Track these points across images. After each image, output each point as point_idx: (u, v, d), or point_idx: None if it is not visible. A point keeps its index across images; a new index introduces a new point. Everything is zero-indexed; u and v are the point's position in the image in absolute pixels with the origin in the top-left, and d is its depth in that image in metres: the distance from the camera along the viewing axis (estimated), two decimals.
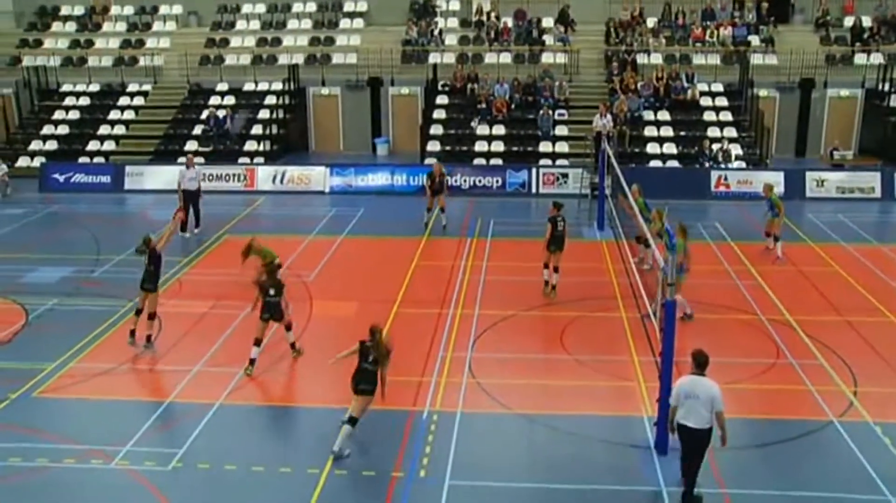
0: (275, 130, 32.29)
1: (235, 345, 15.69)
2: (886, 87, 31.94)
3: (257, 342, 14.42)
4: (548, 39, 35.03)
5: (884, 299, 17.88)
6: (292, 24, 37.17)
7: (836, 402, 13.40)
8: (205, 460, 11.72)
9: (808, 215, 25.24)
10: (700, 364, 10.47)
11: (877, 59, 33.29)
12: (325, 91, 34.64)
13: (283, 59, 35.01)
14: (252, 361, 14.42)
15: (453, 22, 36.67)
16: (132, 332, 15.53)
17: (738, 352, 15.20)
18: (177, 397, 13.62)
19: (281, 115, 32.99)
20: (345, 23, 36.79)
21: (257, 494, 11.07)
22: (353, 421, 11.76)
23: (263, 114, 32.79)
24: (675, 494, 10.86)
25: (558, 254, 17.97)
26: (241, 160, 30.34)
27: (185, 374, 14.38)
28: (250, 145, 31.40)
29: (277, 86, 33.76)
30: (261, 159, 30.60)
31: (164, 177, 27.95)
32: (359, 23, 36.80)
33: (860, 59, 33.63)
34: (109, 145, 31.91)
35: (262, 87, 34.15)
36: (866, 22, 34.75)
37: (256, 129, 32.07)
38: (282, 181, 28.75)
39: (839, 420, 12.85)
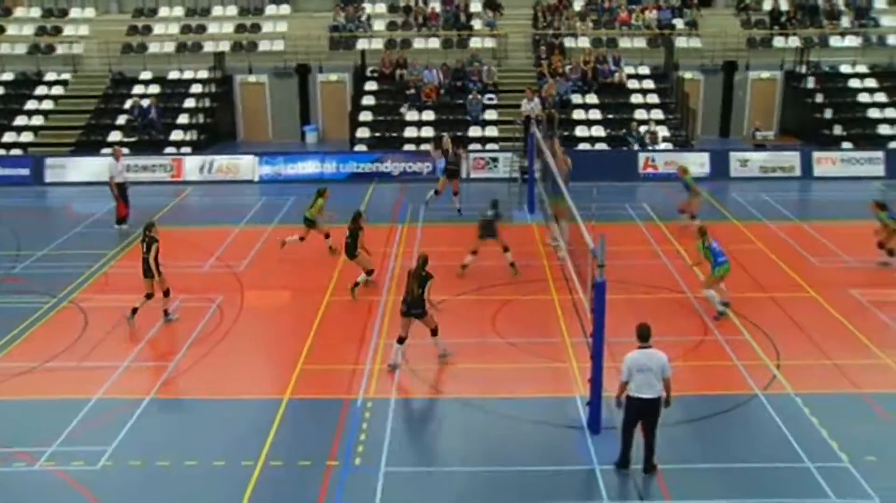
0: (201, 119, 31.71)
1: (165, 338, 15.43)
2: (804, 70, 32.77)
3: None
4: (476, 24, 35.07)
5: (804, 275, 18.41)
6: (217, 10, 36.44)
7: (760, 376, 13.77)
8: (136, 457, 11.51)
9: (733, 194, 25.83)
10: (645, 337, 10.80)
11: (794, 42, 34.17)
12: (252, 79, 34.12)
13: (208, 47, 34.35)
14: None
15: (381, 7, 36.42)
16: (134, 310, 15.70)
17: (669, 330, 15.41)
18: (105, 393, 13.32)
19: (207, 103, 32.41)
20: (271, 9, 36.23)
21: (191, 489, 10.91)
22: (435, 331, 14.12)
23: (189, 102, 32.16)
24: (608, 472, 11.06)
25: (488, 240, 18.11)
26: (167, 150, 29.74)
27: (113, 370, 14.08)
28: (176, 135, 30.79)
29: (203, 74, 33.16)
30: (188, 149, 30.02)
31: (88, 169, 27.29)
32: (285, 9, 36.26)
33: (779, 42, 34.46)
34: (27, 136, 30.95)
35: (188, 75, 33.48)
36: (784, 6, 35.58)
37: (183, 119, 31.45)
38: (210, 171, 28.30)
39: (763, 392, 13.21)
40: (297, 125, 33.99)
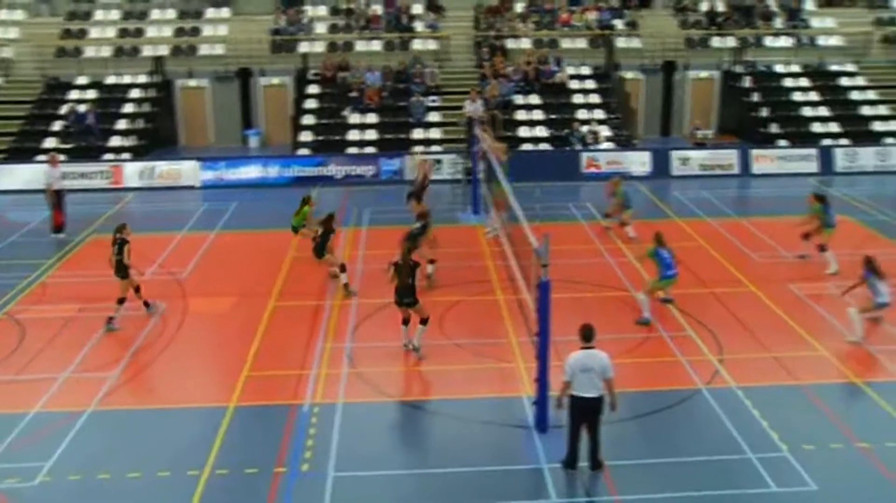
0: (141, 125, 31.20)
1: (105, 348, 15.14)
2: (740, 69, 33.41)
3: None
4: (418, 26, 35.09)
5: (744, 271, 18.76)
6: (155, 14, 35.88)
7: (703, 371, 14.00)
8: (75, 471, 11.24)
9: (674, 192, 26.22)
10: (588, 337, 10.89)
11: (731, 42, 34.85)
12: (192, 83, 33.68)
13: (147, 51, 33.81)
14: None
15: (322, 10, 36.21)
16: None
17: (613, 328, 15.61)
18: (43, 407, 13.00)
19: (147, 108, 31.89)
20: (210, 12, 35.80)
21: (134, 501, 10.71)
22: (425, 321, 14.46)
23: (128, 108, 31.63)
24: (556, 471, 11.12)
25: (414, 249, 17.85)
26: (105, 157, 29.18)
27: (51, 382, 13.75)
28: (115, 141, 30.24)
29: (142, 78, 32.64)
30: (127, 155, 29.49)
31: (22, 176, 26.65)
32: (225, 12, 35.85)
33: (716, 42, 35.10)
34: None
35: (126, 79, 32.90)
36: (720, 7, 36.25)
37: (122, 124, 30.91)
38: (150, 177, 27.84)
39: (707, 387, 13.43)
40: (240, 129, 33.65)
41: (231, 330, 16.12)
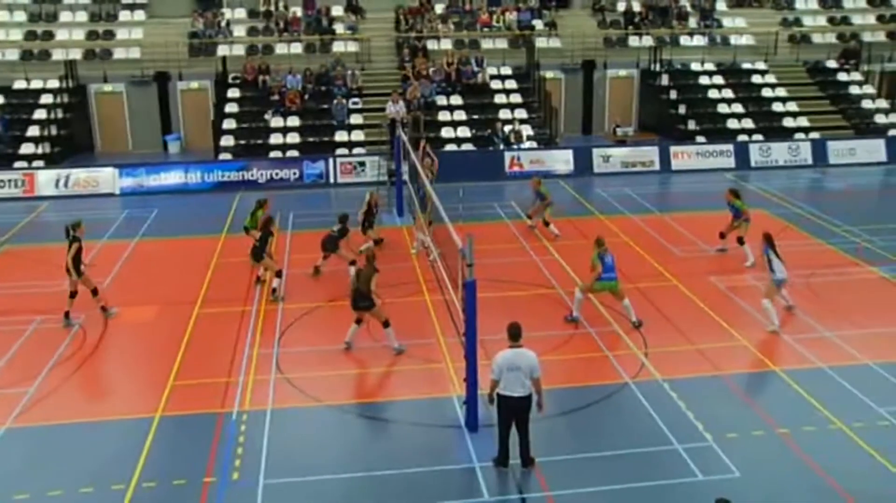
0: (54, 131, 30.30)
1: (22, 362, 14.66)
2: (658, 68, 34.13)
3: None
4: (338, 28, 34.89)
5: (667, 265, 19.16)
6: (65, 16, 34.82)
7: (630, 365, 14.24)
8: None
9: (597, 190, 26.61)
10: (515, 336, 10.95)
11: (648, 41, 35.57)
12: (107, 88, 32.87)
13: (57, 55, 32.85)
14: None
15: (241, 13, 35.70)
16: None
17: (540, 325, 15.77)
18: None
19: (60, 114, 30.99)
20: (124, 15, 34.96)
21: None
22: (386, 323, 14.59)
23: (40, 114, 30.67)
24: (488, 469, 11.18)
25: (330, 255, 18.35)
26: (17, 164, 28.28)
27: None
28: (27, 148, 29.33)
29: (54, 83, 31.69)
30: (40, 163, 28.62)
31: None
32: (140, 15, 35.06)
33: (634, 41, 35.78)
34: None
35: (36, 84, 31.94)
36: (637, 7, 36.97)
37: (33, 131, 29.97)
38: (66, 185, 27.05)
39: (633, 381, 13.66)
40: (159, 135, 32.99)
41: (155, 339, 15.78)
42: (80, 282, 16.26)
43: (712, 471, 11.07)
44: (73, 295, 16.22)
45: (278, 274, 17.54)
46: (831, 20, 38.32)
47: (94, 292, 16.50)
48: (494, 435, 11.29)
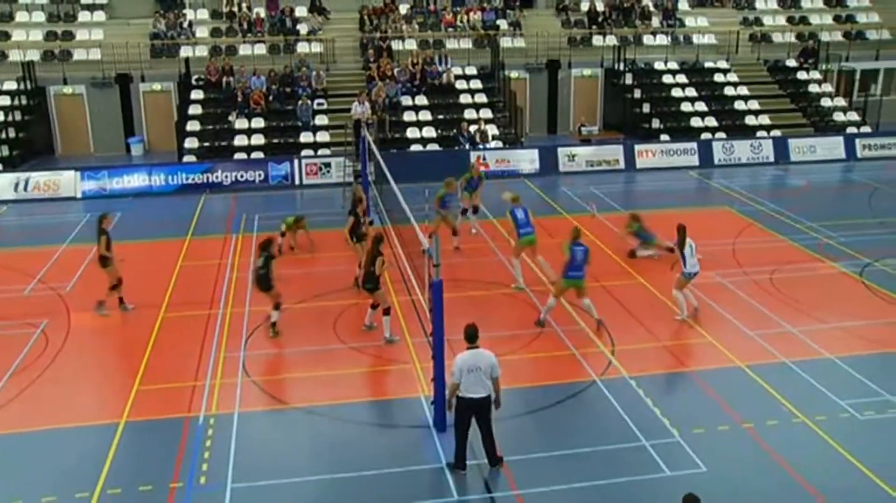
0: (12, 134, 29.84)
1: None
2: (621, 67, 34.37)
3: None
4: (302, 29, 34.72)
5: (632, 263, 19.29)
6: (22, 16, 34.28)
7: (597, 363, 14.32)
8: None
9: (563, 188, 26.73)
10: (472, 337, 10.91)
11: (612, 40, 35.81)
12: (67, 89, 32.45)
13: (14, 56, 32.31)
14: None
15: (203, 14, 35.43)
16: None
17: (507, 324, 15.86)
18: None
19: (18, 116, 30.52)
20: (84, 15, 34.52)
21: None
22: (387, 311, 14.87)
23: None
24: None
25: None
26: None
27: None
28: None
29: (11, 85, 31.22)
30: None
31: None
32: (100, 15, 34.64)
33: (598, 40, 36.01)
34: None
35: None
36: (600, 7, 37.20)
37: None
38: (25, 188, 26.62)
39: (601, 378, 13.74)
40: (121, 137, 32.62)
41: (119, 344, 15.61)
42: (107, 272, 16.68)
43: (679, 467, 11.17)
44: (114, 286, 16.80)
45: (277, 306, 15.70)
46: (790, 20, 38.88)
47: (118, 283, 16.90)
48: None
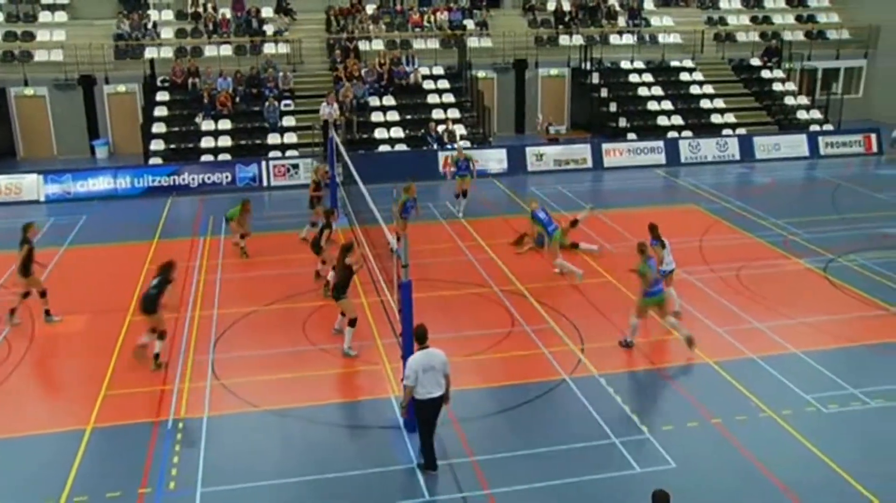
0: None
1: None
2: (588, 66, 34.55)
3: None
4: (268, 30, 34.52)
5: (601, 261, 19.39)
6: None
7: (567, 361, 14.37)
8: None
9: (531, 188, 26.78)
10: (422, 338, 10.98)
11: (578, 40, 35.99)
12: (29, 91, 31.99)
13: None
14: None
15: (168, 14, 35.09)
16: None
17: (477, 324, 15.88)
18: None
19: None
20: (44, 16, 34.00)
21: None
22: (353, 322, 14.44)
23: None
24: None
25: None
26: None
27: None
28: None
29: None
30: None
31: None
32: (61, 16, 34.16)
33: (564, 40, 36.17)
34: None
35: None
36: (567, 6, 37.37)
37: None
38: None
39: (570, 377, 13.80)
40: (86, 140, 32.20)
41: (86, 349, 15.41)
42: (28, 283, 16.23)
43: (649, 464, 11.25)
44: (25, 295, 16.33)
45: (161, 334, 14.43)
46: (754, 19, 39.32)
47: (43, 294, 16.46)
48: (434, 434, 11.26)
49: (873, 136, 31.78)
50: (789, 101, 34.85)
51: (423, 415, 10.97)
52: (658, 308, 14.70)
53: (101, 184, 26.80)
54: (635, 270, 14.72)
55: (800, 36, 38.48)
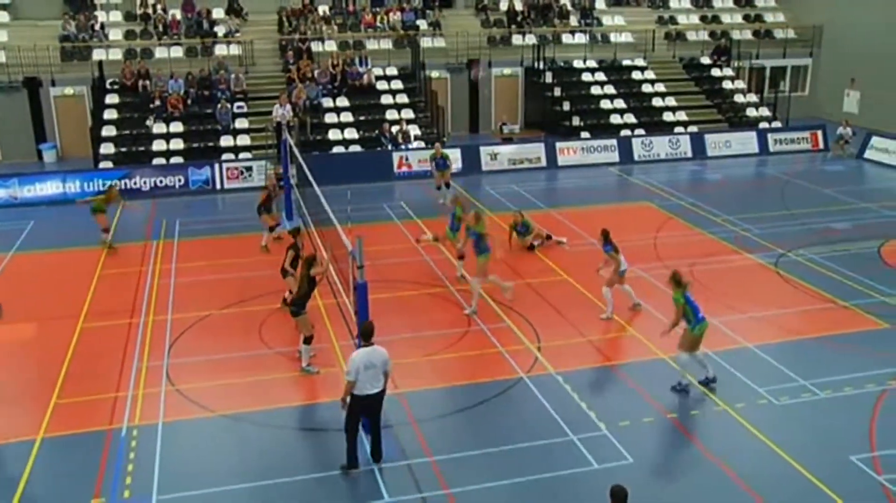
0: None
1: None
2: (541, 66, 34.74)
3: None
4: (219, 31, 34.15)
5: (556, 260, 19.51)
6: None
7: (524, 359, 14.44)
8: None
9: (486, 187, 26.86)
10: (368, 335, 11.07)
11: (531, 39, 36.18)
12: None
13: None
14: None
15: (116, 15, 34.52)
16: None
17: (434, 324, 15.88)
18: None
19: None
20: None
21: None
22: (308, 339, 13.97)
23: None
24: (388, 470, 11.19)
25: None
26: None
27: None
28: None
29: None
30: None
31: None
32: (3, 16, 33.41)
33: (517, 39, 36.32)
34: None
35: None
36: (519, 6, 37.54)
37: None
38: None
39: (528, 375, 13.86)
40: (32, 143, 31.52)
41: (35, 357, 15.11)
42: None
43: (607, 460, 11.34)
44: None
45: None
46: (703, 19, 39.85)
47: None
48: (392, 435, 11.27)
49: (819, 133, 32.41)
50: (739, 98, 35.37)
51: (354, 412, 11.05)
52: (700, 336, 13.39)
53: (49, 188, 26.27)
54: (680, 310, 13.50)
55: (748, 35, 39.08)
